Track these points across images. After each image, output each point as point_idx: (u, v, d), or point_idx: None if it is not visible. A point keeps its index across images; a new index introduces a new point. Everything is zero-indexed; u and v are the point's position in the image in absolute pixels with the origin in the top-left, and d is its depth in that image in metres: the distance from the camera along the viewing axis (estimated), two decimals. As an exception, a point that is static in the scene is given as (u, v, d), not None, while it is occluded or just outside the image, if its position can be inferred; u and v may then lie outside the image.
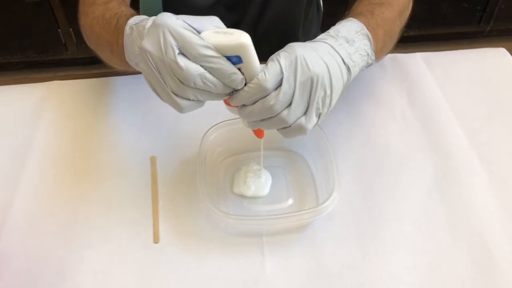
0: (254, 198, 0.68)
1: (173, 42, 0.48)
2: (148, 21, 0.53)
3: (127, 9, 0.65)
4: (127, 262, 0.62)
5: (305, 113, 0.52)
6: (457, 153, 0.73)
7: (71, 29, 1.93)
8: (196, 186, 0.63)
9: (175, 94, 0.51)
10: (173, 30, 0.48)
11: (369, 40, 0.60)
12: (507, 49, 0.90)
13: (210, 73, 0.49)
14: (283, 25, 0.94)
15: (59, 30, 1.94)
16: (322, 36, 0.58)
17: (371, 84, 0.84)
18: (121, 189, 0.70)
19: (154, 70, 0.50)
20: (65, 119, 0.80)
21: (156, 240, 0.64)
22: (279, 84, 0.50)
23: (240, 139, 0.70)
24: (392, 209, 0.66)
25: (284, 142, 0.73)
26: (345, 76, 0.56)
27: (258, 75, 0.50)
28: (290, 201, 0.68)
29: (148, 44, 0.49)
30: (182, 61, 0.48)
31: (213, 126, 0.69)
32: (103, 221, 0.66)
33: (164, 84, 0.50)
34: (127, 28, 0.56)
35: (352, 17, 0.62)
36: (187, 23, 0.49)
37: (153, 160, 0.73)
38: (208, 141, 0.69)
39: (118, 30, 0.59)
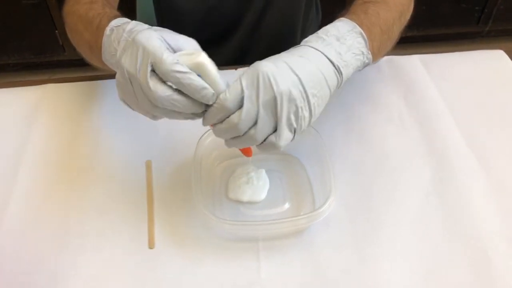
0: (250, 203, 0.67)
1: (148, 62, 0.48)
2: (129, 25, 0.54)
3: (111, 10, 0.65)
4: (122, 268, 0.61)
5: (276, 130, 0.51)
6: (455, 156, 0.72)
7: (68, 30, 1.93)
8: (192, 191, 0.62)
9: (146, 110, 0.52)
10: (149, 47, 0.48)
11: (363, 38, 0.58)
12: (506, 50, 0.90)
13: (181, 91, 0.49)
14: (282, 28, 0.93)
15: (56, 31, 1.94)
16: (308, 38, 0.56)
17: (368, 86, 0.84)
18: (116, 194, 0.69)
19: (129, 83, 0.51)
20: (60, 122, 0.80)
21: (151, 245, 0.63)
22: (242, 103, 0.50)
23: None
24: (389, 213, 0.66)
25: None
26: (333, 80, 0.54)
27: (220, 95, 0.50)
28: (287, 206, 0.67)
29: (125, 61, 0.50)
30: (152, 81, 0.48)
31: (209, 129, 0.69)
32: (97, 225, 0.66)
33: (136, 98, 0.51)
34: (107, 29, 0.58)
35: (345, 17, 0.60)
36: (165, 40, 0.50)
37: (148, 165, 0.73)
38: (204, 145, 0.68)
39: (99, 31, 0.60)
